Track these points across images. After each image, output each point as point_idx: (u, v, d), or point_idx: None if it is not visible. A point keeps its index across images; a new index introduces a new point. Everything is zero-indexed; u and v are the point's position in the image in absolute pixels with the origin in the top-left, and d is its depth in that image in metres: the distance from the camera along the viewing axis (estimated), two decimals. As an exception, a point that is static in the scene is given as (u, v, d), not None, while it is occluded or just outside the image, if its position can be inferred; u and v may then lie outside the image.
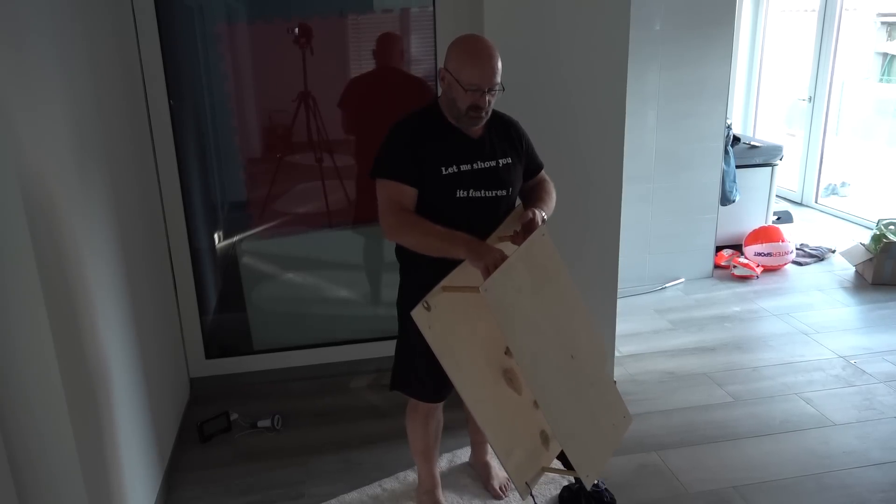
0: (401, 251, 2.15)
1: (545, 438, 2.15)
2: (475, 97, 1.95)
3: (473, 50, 1.97)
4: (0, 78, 1.55)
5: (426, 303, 1.86)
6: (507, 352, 2.07)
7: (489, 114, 2.03)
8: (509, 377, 2.07)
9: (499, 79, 1.97)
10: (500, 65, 1.97)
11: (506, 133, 2.15)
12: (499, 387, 2.05)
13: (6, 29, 1.60)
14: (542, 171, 2.29)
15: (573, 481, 2.54)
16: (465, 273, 1.92)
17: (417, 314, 1.84)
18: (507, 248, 2.02)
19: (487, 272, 1.83)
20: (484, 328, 2.00)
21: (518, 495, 2.56)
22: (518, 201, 2.23)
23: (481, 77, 1.93)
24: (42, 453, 1.76)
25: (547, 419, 1.96)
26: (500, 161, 2.09)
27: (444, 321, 1.89)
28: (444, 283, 1.91)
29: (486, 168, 2.06)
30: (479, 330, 1.99)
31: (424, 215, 2.01)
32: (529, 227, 2.00)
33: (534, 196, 2.19)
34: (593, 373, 2.18)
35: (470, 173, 2.03)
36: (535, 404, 2.14)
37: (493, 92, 1.97)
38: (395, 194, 2.01)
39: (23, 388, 1.70)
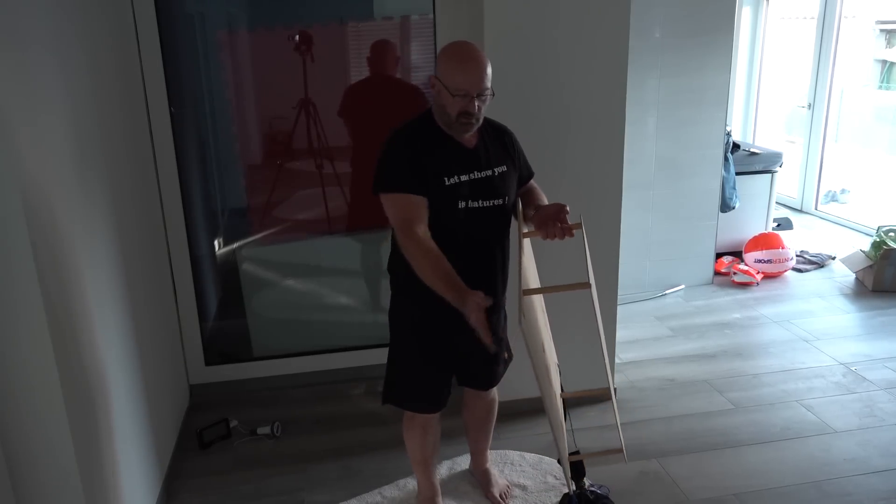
0: (395, 265, 2.11)
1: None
2: (464, 103, 1.92)
3: (461, 56, 1.95)
4: (0, 85, 1.56)
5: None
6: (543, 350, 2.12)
7: (480, 120, 1.99)
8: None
9: (488, 84, 1.94)
10: (489, 70, 1.94)
11: (499, 141, 2.13)
12: (553, 385, 2.09)
13: (7, 36, 1.61)
14: (532, 179, 2.26)
15: (574, 487, 2.53)
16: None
17: (525, 301, 1.73)
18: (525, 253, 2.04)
19: (478, 307, 1.74)
20: (541, 331, 2.04)
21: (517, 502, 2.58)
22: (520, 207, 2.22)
23: (469, 82, 1.91)
24: (41, 460, 1.75)
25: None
26: (496, 170, 2.07)
27: (529, 318, 1.82)
28: (525, 286, 1.81)
29: (482, 178, 2.03)
30: (537, 332, 1.99)
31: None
32: (560, 214, 1.92)
33: (533, 197, 2.17)
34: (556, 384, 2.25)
35: (469, 183, 2.01)
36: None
37: (482, 98, 1.94)
38: (405, 209, 1.93)
39: (22, 395, 1.70)
